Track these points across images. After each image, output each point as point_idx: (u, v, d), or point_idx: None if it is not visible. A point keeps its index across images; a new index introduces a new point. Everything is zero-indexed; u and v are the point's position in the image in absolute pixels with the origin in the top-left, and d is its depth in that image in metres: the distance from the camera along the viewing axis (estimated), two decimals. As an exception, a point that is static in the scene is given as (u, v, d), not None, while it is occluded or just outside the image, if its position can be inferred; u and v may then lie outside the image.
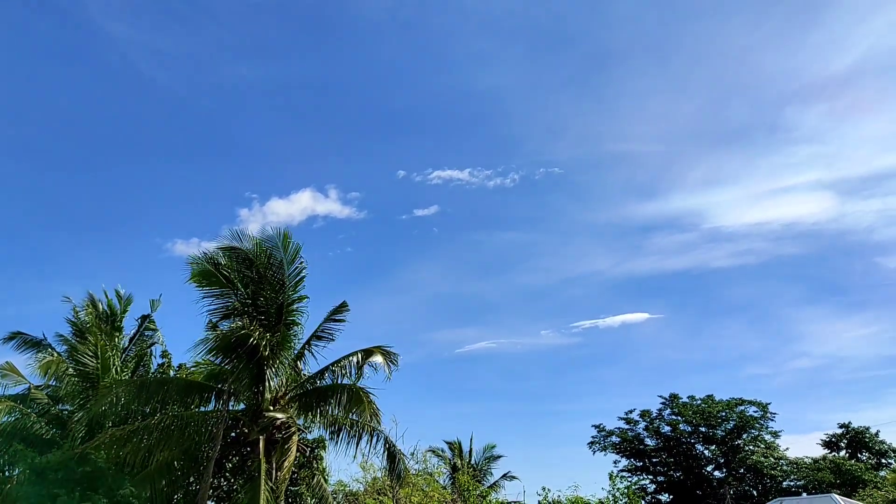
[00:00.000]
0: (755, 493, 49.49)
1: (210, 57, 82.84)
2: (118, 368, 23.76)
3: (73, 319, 26.36)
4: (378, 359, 19.14)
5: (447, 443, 45.37)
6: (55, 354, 25.67)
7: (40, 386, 23.86)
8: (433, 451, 42.00)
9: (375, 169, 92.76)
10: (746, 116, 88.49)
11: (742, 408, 51.94)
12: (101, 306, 27.18)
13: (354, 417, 18.98)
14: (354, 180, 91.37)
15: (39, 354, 26.05)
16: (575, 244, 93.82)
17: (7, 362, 23.38)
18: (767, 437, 51.77)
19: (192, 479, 18.97)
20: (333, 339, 19.95)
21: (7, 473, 24.90)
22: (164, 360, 24.51)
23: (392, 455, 19.40)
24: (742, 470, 50.28)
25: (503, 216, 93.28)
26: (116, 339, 25.80)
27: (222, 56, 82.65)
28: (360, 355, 19.16)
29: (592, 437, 55.81)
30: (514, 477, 45.20)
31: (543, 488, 21.83)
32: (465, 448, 45.63)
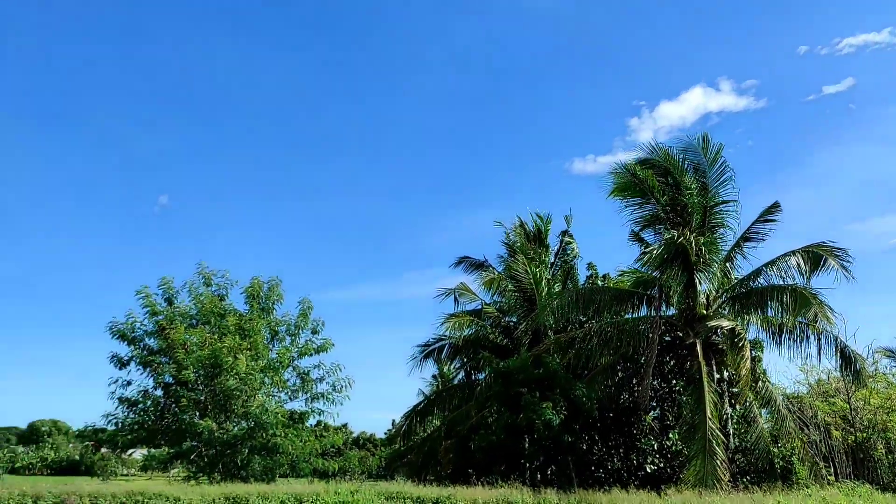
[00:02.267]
0: None
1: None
2: (548, 282, 25.90)
3: (506, 242, 29.41)
4: (827, 260, 17.45)
5: (902, 342, 40.14)
6: (496, 273, 29.01)
7: (490, 302, 27.04)
8: (884, 352, 37.55)
9: (771, 50, 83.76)
10: None
11: None
12: (527, 227, 29.92)
13: (800, 319, 17.79)
14: (748, 67, 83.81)
15: (483, 274, 29.71)
16: None
17: (461, 283, 26.98)
18: None
19: (634, 382, 19.92)
20: (764, 240, 18.92)
21: (473, 377, 29.18)
22: (590, 271, 25.86)
23: (846, 356, 17.74)
24: None
25: (945, 74, 77.00)
26: (543, 256, 28.06)
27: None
28: (799, 255, 17.70)
29: None
30: None
31: None
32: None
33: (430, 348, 26.33)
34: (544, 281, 24.43)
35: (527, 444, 19.18)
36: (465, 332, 24.61)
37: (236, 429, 18.07)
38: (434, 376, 54.57)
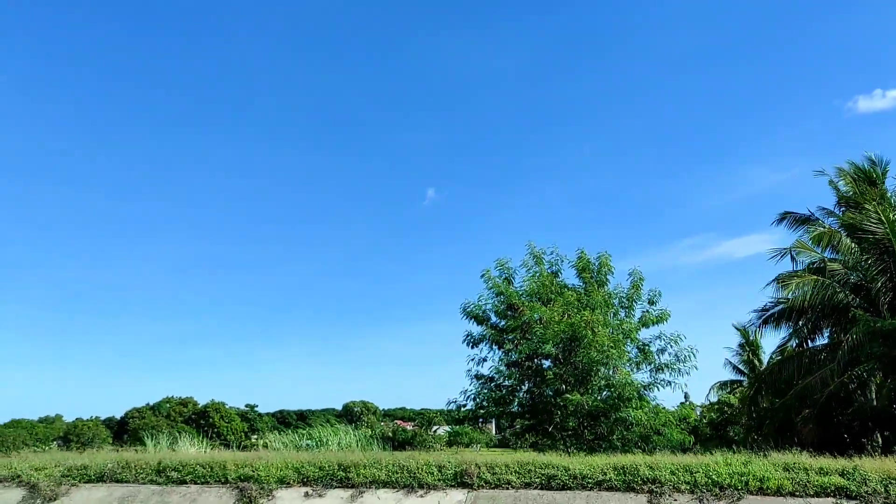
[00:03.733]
0: None
1: None
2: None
3: (839, 191, 26.70)
4: None
5: None
6: (826, 226, 26.42)
7: (833, 258, 24.64)
8: None
9: None
10: None
11: None
12: (849, 174, 27.09)
13: None
14: None
15: (810, 228, 27.26)
16: None
17: (798, 241, 24.85)
18: None
19: None
20: None
21: (808, 343, 26.79)
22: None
23: None
24: None
25: None
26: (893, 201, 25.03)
27: None
28: None
29: None
30: None
31: None
32: None
33: (768, 313, 24.54)
34: (903, 228, 21.52)
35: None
36: (809, 293, 22.50)
37: (597, 400, 18.22)
38: (741, 345, 51.75)
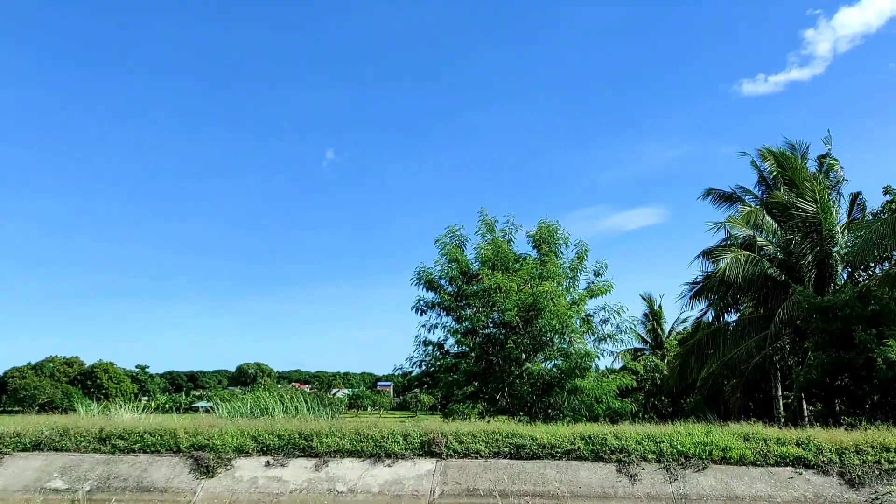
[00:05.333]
0: None
1: None
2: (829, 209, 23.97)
3: (764, 171, 27.66)
4: None
5: None
6: (752, 206, 27.42)
7: (764, 235, 25.55)
8: None
9: None
10: None
11: None
12: (772, 158, 28.14)
13: None
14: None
15: (737, 206, 28.25)
16: None
17: (729, 217, 25.57)
18: None
19: None
20: None
21: (722, 318, 27.90)
22: (890, 196, 23.62)
23: None
24: None
25: None
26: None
27: None
28: None
29: None
30: None
31: None
32: None
33: (699, 286, 25.28)
34: (833, 211, 22.50)
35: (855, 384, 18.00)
36: (742, 266, 23.27)
37: (553, 369, 18.19)
38: (645, 315, 53.75)
